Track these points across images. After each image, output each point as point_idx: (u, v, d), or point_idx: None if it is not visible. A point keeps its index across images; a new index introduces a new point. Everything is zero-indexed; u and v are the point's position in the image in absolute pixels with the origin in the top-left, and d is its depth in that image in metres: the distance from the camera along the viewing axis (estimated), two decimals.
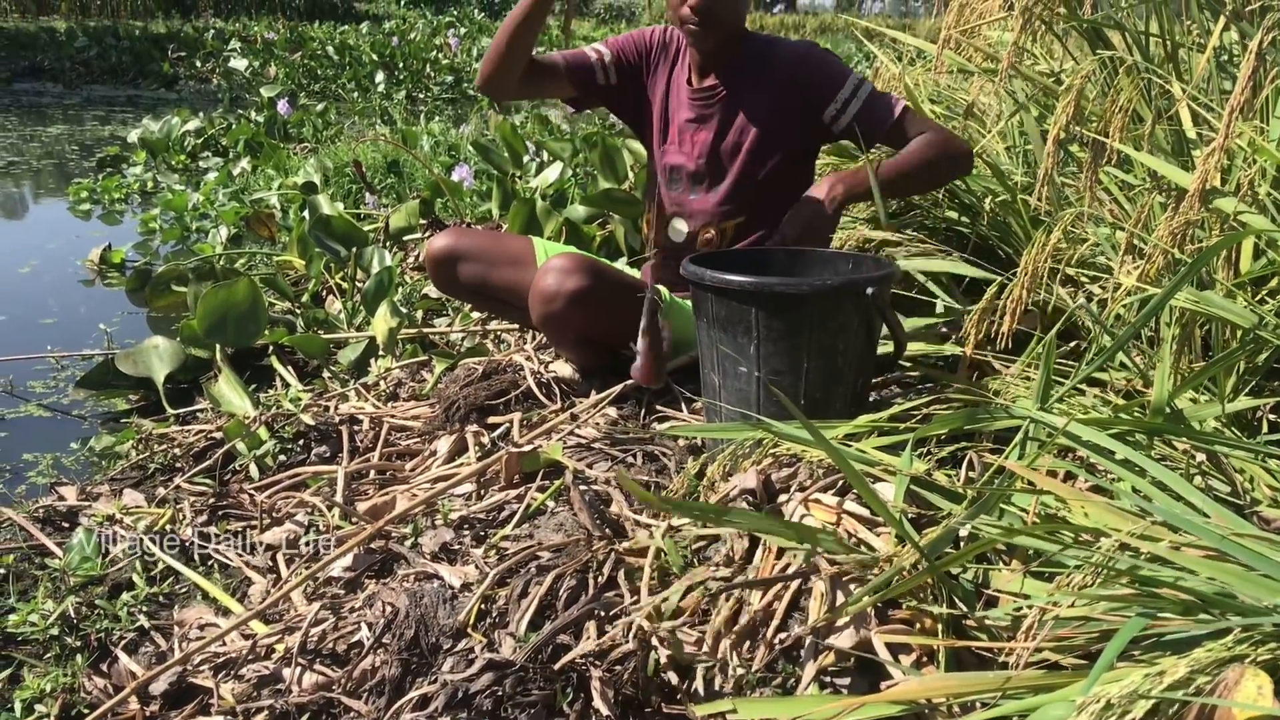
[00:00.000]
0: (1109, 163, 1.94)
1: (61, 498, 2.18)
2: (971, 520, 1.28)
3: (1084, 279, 2.17)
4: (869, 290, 1.72)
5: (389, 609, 1.49)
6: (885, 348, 1.93)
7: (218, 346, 2.70)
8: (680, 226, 2.26)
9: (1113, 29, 2.09)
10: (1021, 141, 2.67)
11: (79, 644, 1.70)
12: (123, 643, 1.69)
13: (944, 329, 2.32)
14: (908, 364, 2.21)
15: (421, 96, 12.24)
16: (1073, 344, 2.19)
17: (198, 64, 13.94)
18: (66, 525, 2.09)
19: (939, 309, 2.32)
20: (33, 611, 1.71)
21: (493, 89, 2.20)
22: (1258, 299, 1.76)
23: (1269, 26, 1.45)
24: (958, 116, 2.76)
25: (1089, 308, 1.75)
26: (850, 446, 1.56)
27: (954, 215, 2.62)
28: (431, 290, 3.24)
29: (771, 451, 1.61)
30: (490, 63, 2.16)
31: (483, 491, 1.87)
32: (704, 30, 2.08)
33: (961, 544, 1.33)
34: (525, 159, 4.54)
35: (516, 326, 2.70)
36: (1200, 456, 1.63)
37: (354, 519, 1.82)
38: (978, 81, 2.50)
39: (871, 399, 2.09)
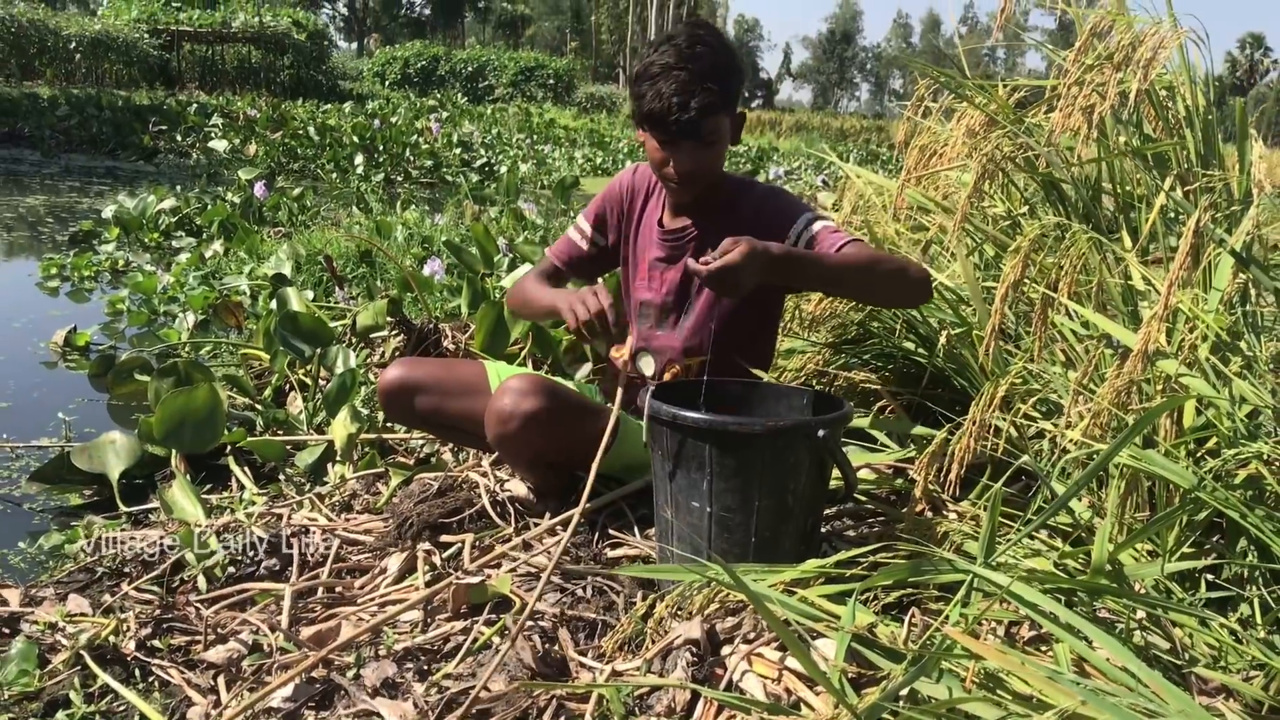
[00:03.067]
0: (1060, 313, 1.99)
1: (4, 601, 2.13)
2: (909, 684, 1.28)
3: (1036, 414, 2.21)
4: (821, 432, 1.74)
5: None
6: (837, 481, 1.95)
7: (174, 451, 2.69)
8: (649, 360, 2.29)
9: (1065, 182, 2.16)
10: (980, 275, 2.73)
11: None
12: None
13: (897, 464, 2.34)
14: (860, 497, 2.23)
15: (399, 180, 12.34)
16: (1022, 482, 2.23)
17: (178, 138, 14.05)
18: (7, 631, 2.04)
19: (892, 447, 2.34)
20: None
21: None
22: (1198, 457, 1.79)
23: (1205, 206, 1.51)
24: (923, 233, 2.81)
25: (1036, 466, 1.78)
26: (795, 594, 1.57)
27: (910, 345, 2.67)
28: None
29: (719, 596, 1.62)
30: (519, 312, 2.41)
31: (429, 620, 1.85)
32: (684, 188, 2.14)
33: (902, 703, 1.33)
34: (496, 258, 4.59)
35: None
36: (1140, 613, 1.65)
37: (297, 644, 1.80)
38: (937, 219, 2.56)
39: (823, 530, 2.11)
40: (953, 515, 2.11)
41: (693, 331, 2.24)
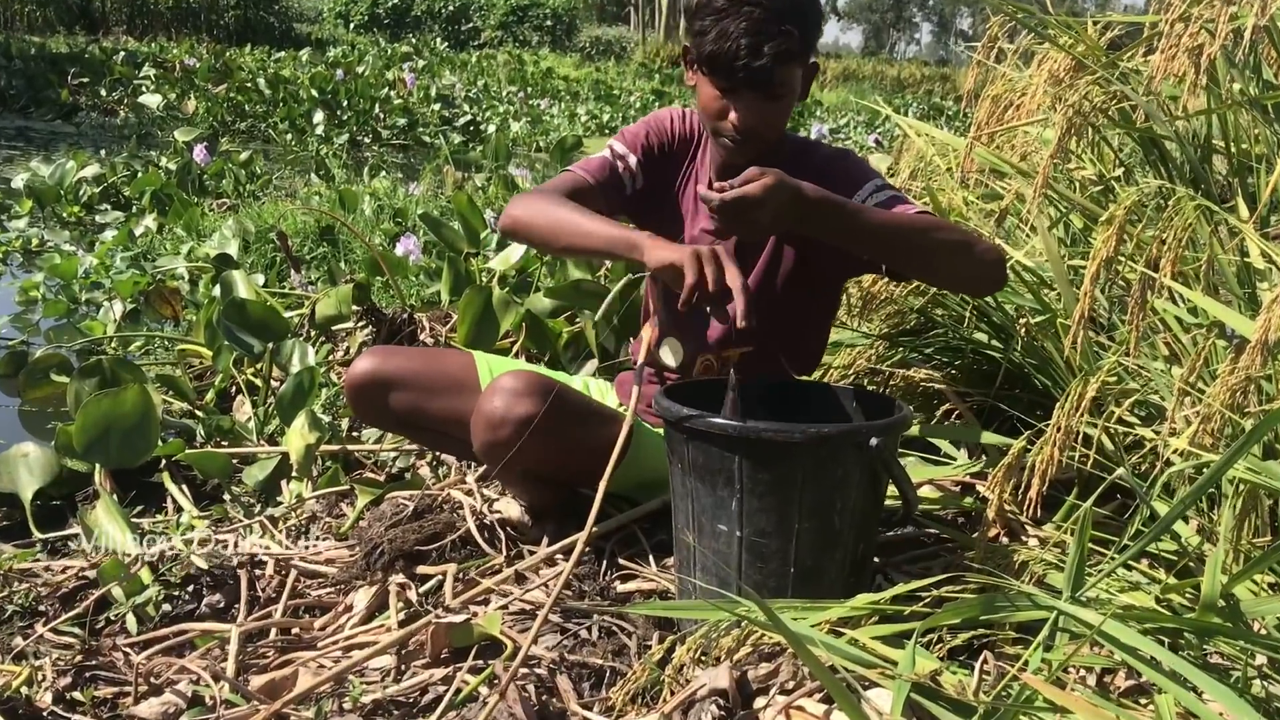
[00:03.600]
0: (1162, 297, 1.98)
1: None
2: None
3: (1134, 419, 2.21)
4: (874, 441, 1.74)
5: None
6: (893, 501, 1.95)
7: (98, 466, 2.70)
8: (675, 349, 2.28)
9: (1169, 139, 2.16)
10: (1066, 253, 2.72)
11: None
12: None
13: (966, 478, 2.34)
14: (922, 519, 2.23)
15: (367, 142, 12.38)
16: (1117, 501, 2.22)
17: (103, 93, 14.09)
18: None
19: (959, 459, 2.34)
20: None
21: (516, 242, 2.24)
22: None
23: None
24: (998, 203, 2.79)
25: (1134, 482, 1.78)
26: (843, 635, 1.57)
27: (982, 337, 2.66)
28: None
29: (751, 637, 1.62)
30: (531, 237, 2.17)
31: (403, 666, 1.86)
32: (740, 148, 2.12)
33: None
34: (483, 234, 4.60)
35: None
36: (1261, 657, 1.65)
37: (246, 696, 1.81)
38: (1013, 184, 2.55)
39: (876, 561, 2.11)
40: (1033, 541, 2.11)
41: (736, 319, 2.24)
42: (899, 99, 25.76)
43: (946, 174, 3.04)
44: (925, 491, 2.30)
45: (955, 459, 2.35)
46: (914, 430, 2.39)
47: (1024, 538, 2.14)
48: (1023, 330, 2.47)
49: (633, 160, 2.29)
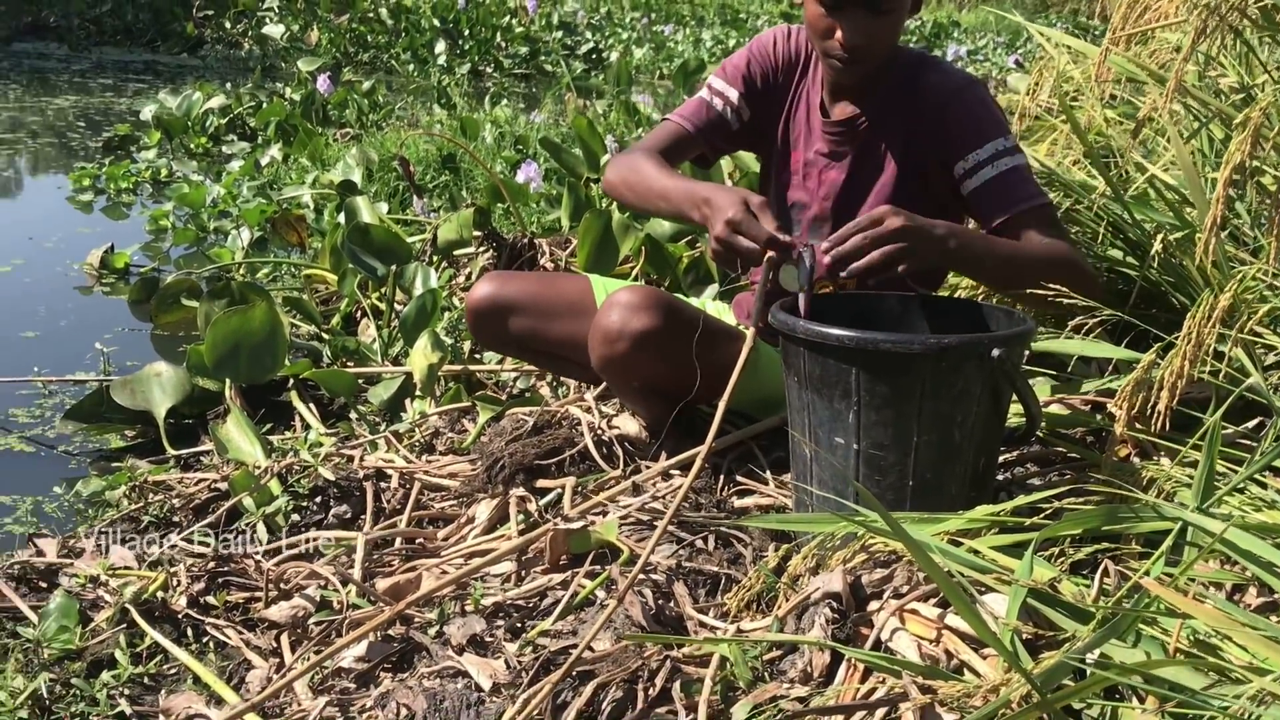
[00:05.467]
0: None
1: (40, 552, 2.29)
2: (1097, 647, 1.30)
3: (1277, 338, 2.17)
4: (996, 352, 1.74)
5: (404, 711, 1.57)
6: (1018, 418, 1.95)
7: (228, 382, 2.82)
8: (793, 273, 2.29)
9: None
10: (1206, 166, 2.66)
11: None
12: None
13: (1095, 395, 2.32)
14: (1048, 437, 2.23)
15: (489, 71, 12.48)
16: (1256, 420, 2.19)
17: (227, 25, 14.36)
18: (44, 585, 2.20)
19: (1091, 376, 2.33)
20: (0, 688, 1.82)
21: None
22: None
23: None
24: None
25: (1268, 395, 1.76)
26: (962, 545, 1.60)
27: (1117, 254, 2.63)
28: None
29: (868, 545, 1.65)
30: (624, 204, 2.31)
31: (523, 573, 1.94)
32: (849, 68, 2.10)
33: (1089, 672, 1.35)
34: (603, 159, 4.64)
35: None
36: None
37: (372, 599, 1.91)
38: (1151, 96, 2.50)
39: (1000, 478, 2.12)
40: (1164, 461, 2.09)
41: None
42: (1043, 19, 24.99)
43: (1086, 91, 2.97)
44: (1053, 410, 2.29)
45: (1086, 377, 2.34)
46: (1044, 346, 2.38)
47: (1154, 457, 2.12)
48: (1159, 246, 2.43)
49: (734, 95, 2.30)
